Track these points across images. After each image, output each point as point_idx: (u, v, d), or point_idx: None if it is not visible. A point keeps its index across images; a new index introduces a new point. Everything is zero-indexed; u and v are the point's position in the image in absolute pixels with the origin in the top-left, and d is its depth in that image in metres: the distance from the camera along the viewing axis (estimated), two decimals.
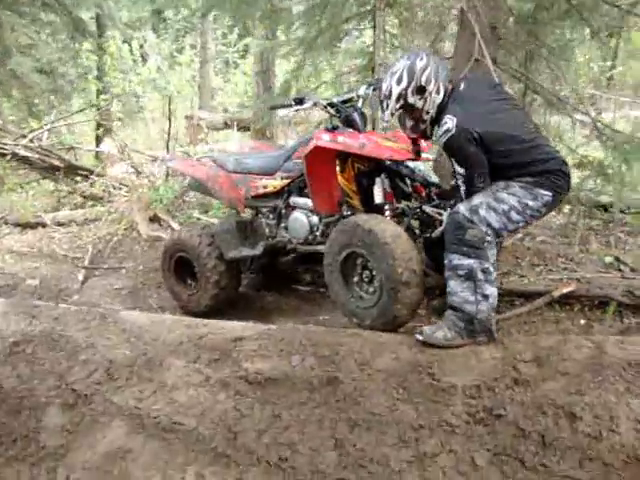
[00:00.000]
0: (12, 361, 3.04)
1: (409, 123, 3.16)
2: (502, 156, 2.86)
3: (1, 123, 7.31)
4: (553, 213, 5.59)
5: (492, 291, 2.85)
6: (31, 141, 6.90)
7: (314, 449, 2.37)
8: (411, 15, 5.23)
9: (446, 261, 2.89)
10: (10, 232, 6.45)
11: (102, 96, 7.83)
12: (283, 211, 3.88)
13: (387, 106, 3.07)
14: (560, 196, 2.95)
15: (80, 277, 4.79)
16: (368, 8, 5.10)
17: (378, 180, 3.39)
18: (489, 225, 2.84)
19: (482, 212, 2.84)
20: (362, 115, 3.60)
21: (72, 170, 6.83)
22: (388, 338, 2.96)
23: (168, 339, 3.10)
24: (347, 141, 3.32)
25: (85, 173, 6.86)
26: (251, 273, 4.41)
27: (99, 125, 9.94)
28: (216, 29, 14.21)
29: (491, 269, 2.85)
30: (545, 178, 2.85)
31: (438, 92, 2.98)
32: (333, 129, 3.45)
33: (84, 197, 6.61)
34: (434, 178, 3.49)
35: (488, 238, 2.83)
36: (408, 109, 3.07)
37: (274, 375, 2.71)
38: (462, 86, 3.04)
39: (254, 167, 4.01)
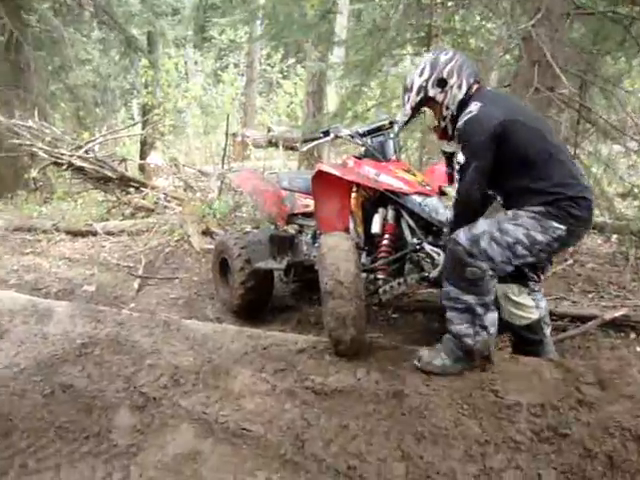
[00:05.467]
0: (82, 362, 3.17)
1: (434, 123, 3.09)
2: (518, 161, 2.67)
3: (59, 134, 7.55)
4: (599, 241, 5.64)
5: (492, 319, 2.78)
6: (86, 152, 7.13)
7: (382, 460, 2.42)
8: (465, 42, 5.32)
9: (444, 289, 2.83)
10: (61, 239, 6.66)
11: (155, 110, 8.07)
12: (319, 231, 3.99)
13: (408, 99, 2.98)
14: (578, 230, 2.74)
15: (135, 285, 4.93)
16: (423, 34, 5.22)
17: (380, 210, 3.43)
18: (490, 259, 2.67)
19: (483, 244, 2.67)
20: (395, 142, 3.68)
21: (124, 182, 7.04)
22: None
23: (232, 348, 3.20)
24: (348, 169, 3.45)
25: (136, 185, 7.06)
26: (293, 282, 4.55)
27: (145, 139, 10.24)
28: (261, 49, 14.52)
29: (490, 301, 2.75)
30: (560, 208, 2.63)
31: (460, 87, 2.85)
32: (360, 157, 3.64)
33: (136, 209, 6.79)
34: (441, 216, 3.32)
35: (489, 273, 2.69)
36: (429, 104, 2.97)
37: (339, 387, 2.78)
38: (488, 89, 3.01)
39: (303, 186, 4.16)
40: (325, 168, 3.41)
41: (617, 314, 3.56)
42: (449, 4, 5.10)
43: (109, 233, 6.47)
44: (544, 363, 2.92)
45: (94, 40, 10.23)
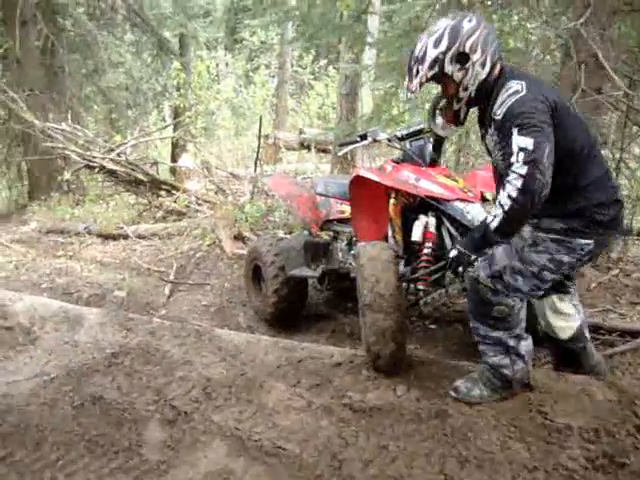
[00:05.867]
0: (112, 372, 3.11)
1: (442, 102, 2.70)
2: (564, 152, 2.32)
3: (92, 136, 7.59)
4: None
5: (526, 347, 2.61)
6: (118, 155, 7.14)
7: None
8: (504, 42, 5.14)
9: (472, 324, 2.65)
10: (92, 242, 6.67)
11: (187, 113, 8.07)
12: (354, 238, 3.87)
13: (417, 72, 2.47)
14: (607, 236, 2.49)
15: (166, 291, 4.88)
16: None
17: (421, 217, 3.27)
18: (517, 290, 2.48)
19: (507, 278, 2.46)
20: (435, 147, 3.50)
21: (156, 185, 7.02)
22: None
23: (266, 360, 3.11)
24: (387, 174, 3.31)
25: (168, 188, 7.04)
26: (327, 290, 4.44)
27: (176, 142, 10.27)
28: (292, 50, 14.48)
29: (521, 331, 2.59)
30: (584, 218, 2.38)
31: (483, 66, 2.39)
32: (398, 161, 3.50)
33: (167, 212, 6.77)
34: None
35: (518, 306, 2.52)
36: (444, 80, 2.49)
37: (378, 404, 2.66)
38: (512, 67, 2.56)
39: (338, 191, 4.05)
40: (363, 173, 3.30)
41: None
42: (488, 3, 4.92)
43: (140, 237, 6.46)
44: (594, 382, 2.75)
45: (127, 43, 10.30)
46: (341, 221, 4.04)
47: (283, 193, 4.26)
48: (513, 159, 2.22)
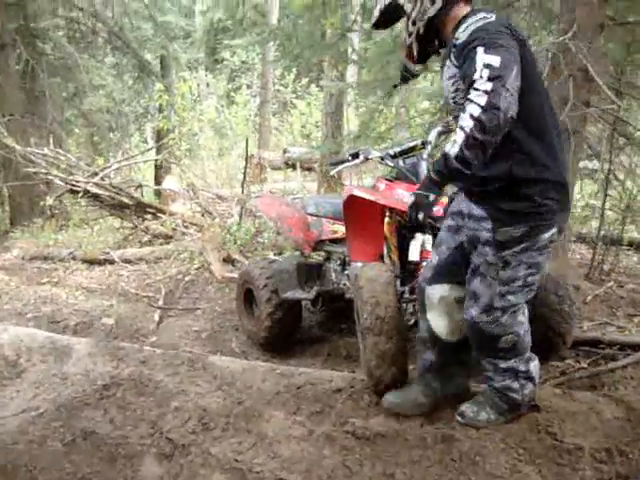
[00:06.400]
0: (104, 405, 3.00)
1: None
2: (528, 112, 2.14)
3: (74, 160, 7.48)
4: (635, 259, 5.42)
5: (535, 367, 2.53)
6: (102, 179, 7.04)
7: None
8: None
9: (482, 362, 2.56)
10: (78, 268, 6.54)
11: (171, 134, 8.01)
12: (348, 258, 3.81)
13: (377, 2, 2.48)
14: (566, 214, 2.40)
15: (156, 317, 4.77)
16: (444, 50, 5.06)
17: (417, 235, 3.21)
18: (514, 305, 2.37)
19: (499, 303, 2.35)
20: (428, 163, 3.45)
21: (141, 208, 6.93)
22: None
23: (263, 388, 3.01)
24: (381, 193, 3.28)
25: (153, 211, 6.95)
26: (320, 312, 4.40)
27: (160, 164, 10.19)
28: (274, 69, 14.52)
29: (530, 353, 2.51)
30: (542, 207, 2.21)
31: (433, 2, 2.29)
32: (390, 179, 3.46)
33: (153, 235, 6.66)
34: None
35: (522, 332, 2.44)
36: (401, 13, 2.43)
37: (382, 431, 2.57)
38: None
39: (330, 211, 4.00)
40: (357, 192, 3.25)
41: None
42: None
43: (127, 261, 6.35)
44: (601, 399, 2.71)
45: (108, 65, 10.24)
46: (334, 241, 3.99)
47: (273, 215, 4.20)
48: (476, 76, 1.99)
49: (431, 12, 2.30)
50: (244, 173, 6.96)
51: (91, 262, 6.61)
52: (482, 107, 1.96)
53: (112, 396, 3.06)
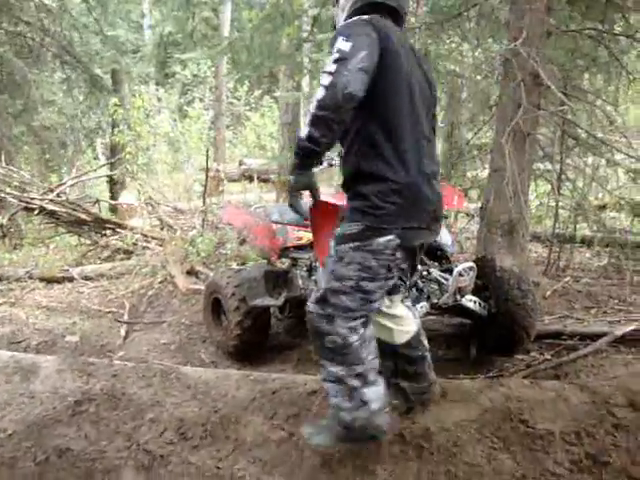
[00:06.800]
0: (77, 421, 2.95)
1: None
2: (387, 113, 2.20)
3: (28, 177, 7.30)
4: (588, 255, 5.64)
5: (375, 393, 2.29)
6: (58, 195, 6.90)
7: None
8: (440, 66, 5.33)
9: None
10: (36, 287, 6.37)
11: (127, 149, 7.91)
12: (314, 264, 3.86)
13: None
14: (414, 227, 2.28)
15: (122, 332, 4.70)
16: None
17: None
18: (347, 309, 2.23)
19: (332, 299, 2.24)
20: None
21: (100, 224, 6.81)
22: (468, 386, 2.90)
23: (238, 395, 3.01)
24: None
25: (112, 226, 6.84)
26: (288, 318, 4.43)
27: (111, 178, 10.05)
28: (227, 82, 14.51)
29: (368, 371, 2.28)
30: (386, 211, 2.19)
31: (344, 10, 2.40)
32: None
33: (113, 251, 6.56)
34: (445, 240, 3.30)
35: (353, 339, 2.24)
36: None
37: None
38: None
39: (294, 218, 4.03)
40: (324, 198, 3.30)
41: (628, 329, 3.51)
42: (423, 28, 5.08)
43: (87, 278, 6.22)
44: (567, 387, 2.82)
45: (58, 81, 10.04)
46: (299, 248, 4.03)
47: (240, 224, 4.22)
48: (327, 61, 2.09)
49: (342, 16, 2.41)
50: (205, 185, 6.93)
51: (49, 280, 6.45)
52: (324, 86, 2.03)
53: (85, 412, 3.01)
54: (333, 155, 3.69)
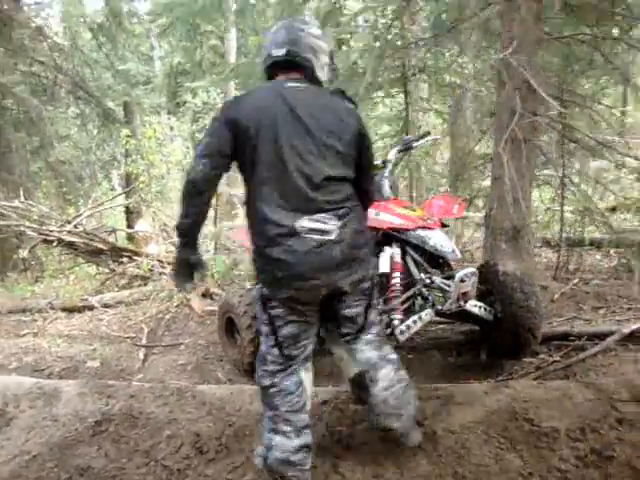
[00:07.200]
0: (97, 441, 3.05)
1: None
2: (257, 182, 2.29)
3: (46, 211, 7.52)
4: (598, 257, 5.66)
5: (278, 444, 2.38)
6: (75, 226, 7.09)
7: None
8: (440, 79, 5.43)
9: None
10: (57, 317, 6.52)
11: (141, 178, 8.12)
12: None
13: None
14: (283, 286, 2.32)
15: (140, 355, 4.81)
16: (399, 75, 5.32)
17: (386, 249, 3.39)
18: (267, 360, 2.45)
19: (261, 349, 2.49)
20: (390, 181, 3.67)
21: (117, 252, 6.98)
22: (475, 389, 2.95)
23: (252, 409, 3.10)
24: None
25: (129, 254, 7.00)
26: None
27: (127, 208, 10.27)
28: None
29: (278, 418, 2.39)
30: (257, 271, 2.42)
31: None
32: None
33: (131, 278, 6.71)
34: (446, 247, 3.34)
35: (264, 383, 2.44)
36: None
37: (369, 436, 2.68)
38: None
39: None
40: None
41: (635, 327, 3.52)
42: (420, 43, 5.21)
43: (106, 306, 6.36)
44: (572, 385, 2.86)
45: (72, 116, 10.34)
46: None
47: (247, 243, 4.32)
48: None
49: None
50: (215, 210, 7.07)
51: (70, 310, 6.60)
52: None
53: (105, 431, 3.12)
54: None
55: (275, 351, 2.42)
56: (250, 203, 2.35)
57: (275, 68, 2.47)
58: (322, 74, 2.47)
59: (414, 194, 5.94)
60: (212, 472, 2.71)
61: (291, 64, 2.42)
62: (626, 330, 3.52)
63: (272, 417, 2.41)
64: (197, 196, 2.31)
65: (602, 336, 3.60)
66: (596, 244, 5.50)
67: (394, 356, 2.57)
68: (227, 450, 2.84)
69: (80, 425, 3.19)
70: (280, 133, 2.26)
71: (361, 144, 2.38)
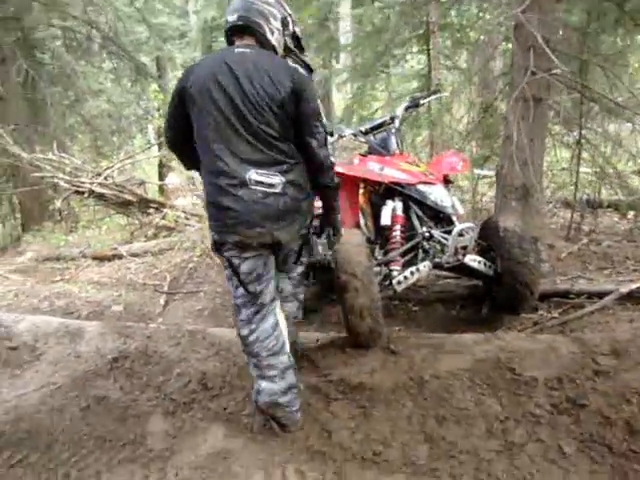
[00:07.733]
0: (114, 375, 3.32)
1: None
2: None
3: (79, 163, 7.79)
4: (615, 219, 5.63)
5: (266, 387, 2.61)
6: (105, 179, 7.34)
7: (405, 443, 2.50)
8: (463, 36, 5.39)
9: None
10: (89, 265, 6.84)
11: None
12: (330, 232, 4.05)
13: None
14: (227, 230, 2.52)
15: (161, 301, 5.07)
16: (421, 32, 5.31)
17: (388, 202, 3.50)
18: (237, 298, 2.71)
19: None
20: (397, 137, 3.75)
21: (144, 204, 7.22)
22: (466, 340, 3.09)
23: None
24: (355, 166, 3.55)
25: (156, 206, 7.24)
26: (313, 285, 4.64)
27: (160, 161, 10.48)
28: None
29: (261, 364, 2.61)
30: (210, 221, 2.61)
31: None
32: (365, 155, 3.71)
33: (157, 229, 6.96)
34: (446, 202, 3.45)
35: (243, 332, 2.65)
36: None
37: (361, 379, 2.86)
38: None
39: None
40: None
41: (634, 286, 3.57)
42: (443, 0, 5.17)
43: (134, 255, 6.64)
44: (559, 339, 2.97)
45: (105, 70, 10.52)
46: (319, 217, 4.23)
47: None
48: None
49: None
50: None
51: (101, 259, 6.91)
52: None
53: (121, 367, 3.39)
54: (342, 126, 3.90)
55: (241, 290, 2.61)
56: (204, 159, 2.53)
57: (232, 34, 2.61)
58: (273, 39, 2.58)
59: (433, 151, 5.96)
60: (215, 406, 2.94)
61: (244, 29, 2.56)
62: (624, 290, 3.57)
63: (256, 364, 2.63)
64: (178, 155, 2.80)
65: (602, 295, 3.66)
66: (613, 206, 5.47)
67: (302, 296, 2.96)
68: (230, 387, 3.06)
69: (100, 361, 3.46)
70: (223, 97, 2.42)
71: (297, 100, 2.47)
